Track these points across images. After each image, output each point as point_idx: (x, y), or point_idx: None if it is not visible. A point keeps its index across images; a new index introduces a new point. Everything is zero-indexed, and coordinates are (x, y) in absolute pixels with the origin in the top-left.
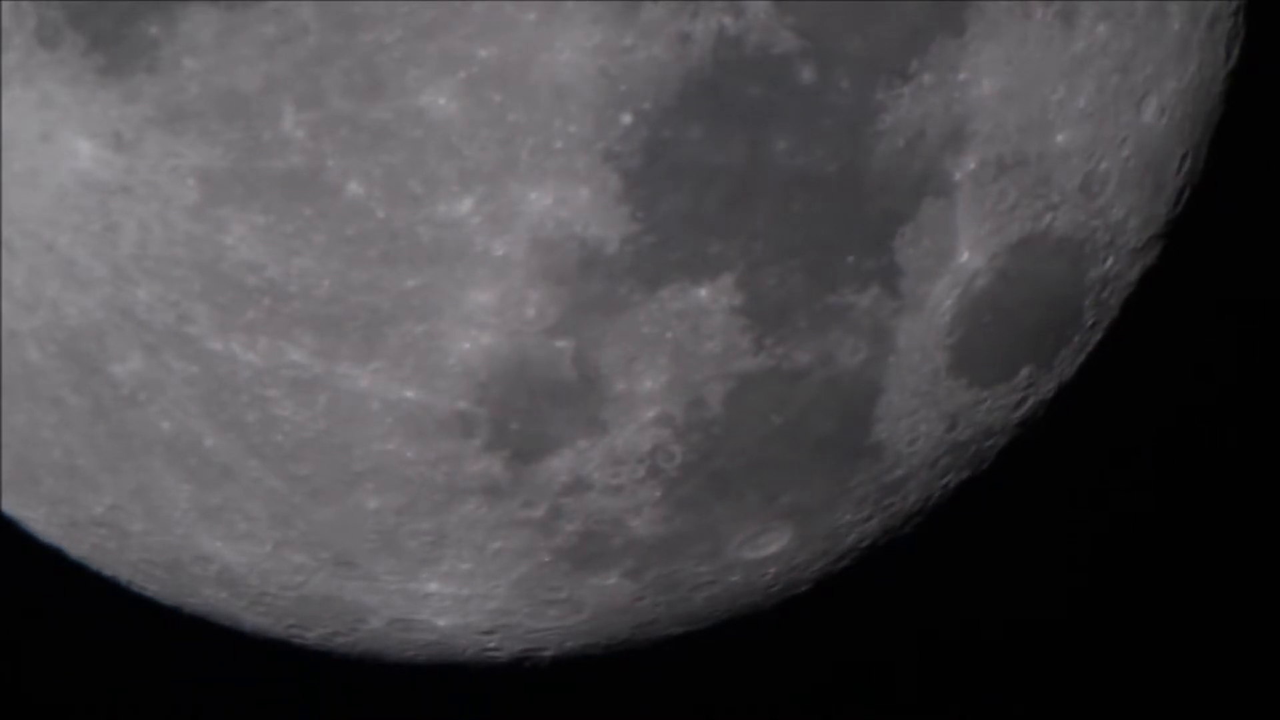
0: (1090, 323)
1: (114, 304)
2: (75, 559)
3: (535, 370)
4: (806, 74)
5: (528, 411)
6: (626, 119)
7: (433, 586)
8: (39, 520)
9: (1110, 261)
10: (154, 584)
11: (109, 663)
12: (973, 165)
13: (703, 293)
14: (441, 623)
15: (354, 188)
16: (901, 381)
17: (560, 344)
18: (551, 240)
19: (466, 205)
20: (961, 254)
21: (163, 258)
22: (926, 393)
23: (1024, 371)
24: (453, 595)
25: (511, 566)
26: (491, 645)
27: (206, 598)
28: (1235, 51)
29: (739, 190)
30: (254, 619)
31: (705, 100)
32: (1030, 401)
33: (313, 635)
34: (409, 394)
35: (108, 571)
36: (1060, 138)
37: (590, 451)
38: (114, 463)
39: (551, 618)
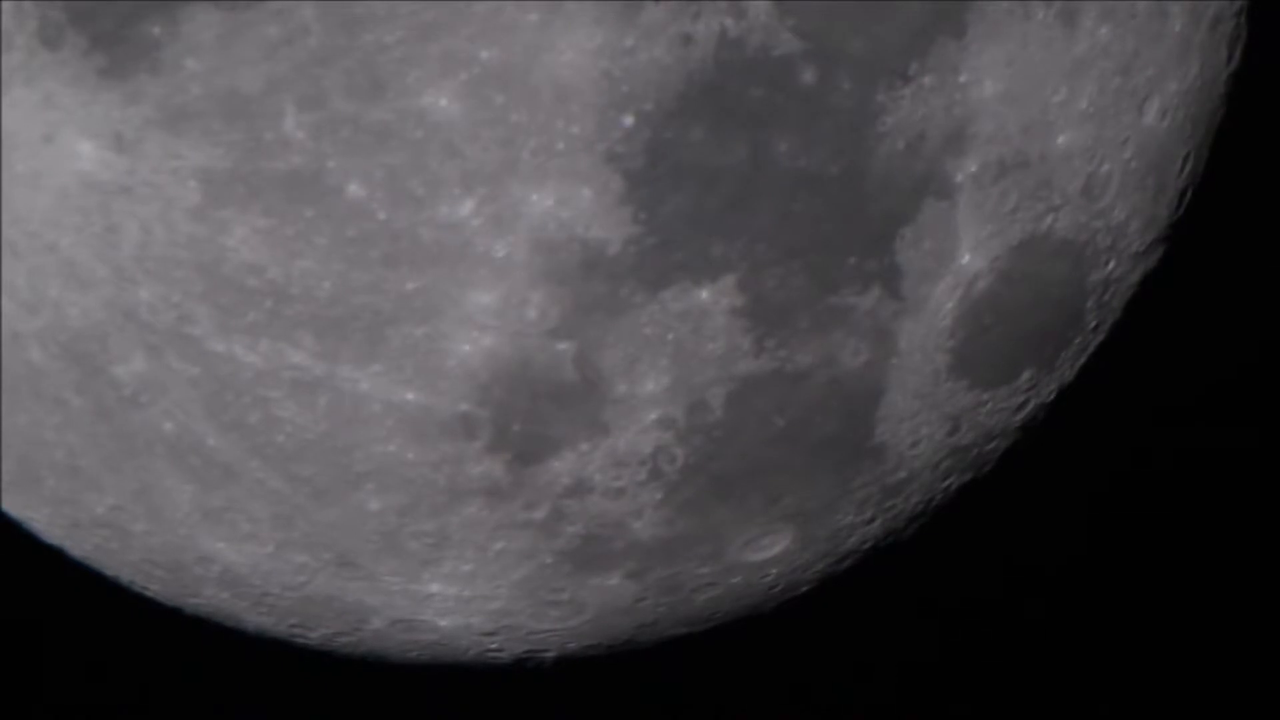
0: (1092, 325)
1: (116, 305)
2: (77, 559)
3: (537, 372)
4: (808, 76)
5: (529, 413)
6: (628, 120)
7: (435, 587)
8: (41, 521)
9: (1112, 264)
10: (156, 584)
11: (110, 663)
12: (974, 167)
13: (704, 294)
14: (443, 623)
15: (355, 189)
16: (903, 383)
17: (562, 345)
18: (553, 241)
19: (468, 206)
20: (963, 256)
21: (164, 259)
22: (928, 395)
23: (1025, 374)
24: (455, 596)
25: (513, 568)
26: (493, 646)
27: (209, 598)
28: (1237, 53)
29: (740, 191)
30: (256, 619)
31: (707, 102)
32: (1032, 404)
33: (315, 635)
34: (410, 396)
35: (110, 572)
36: (1062, 139)
37: (592, 453)
38: (116, 463)
39: (553, 619)
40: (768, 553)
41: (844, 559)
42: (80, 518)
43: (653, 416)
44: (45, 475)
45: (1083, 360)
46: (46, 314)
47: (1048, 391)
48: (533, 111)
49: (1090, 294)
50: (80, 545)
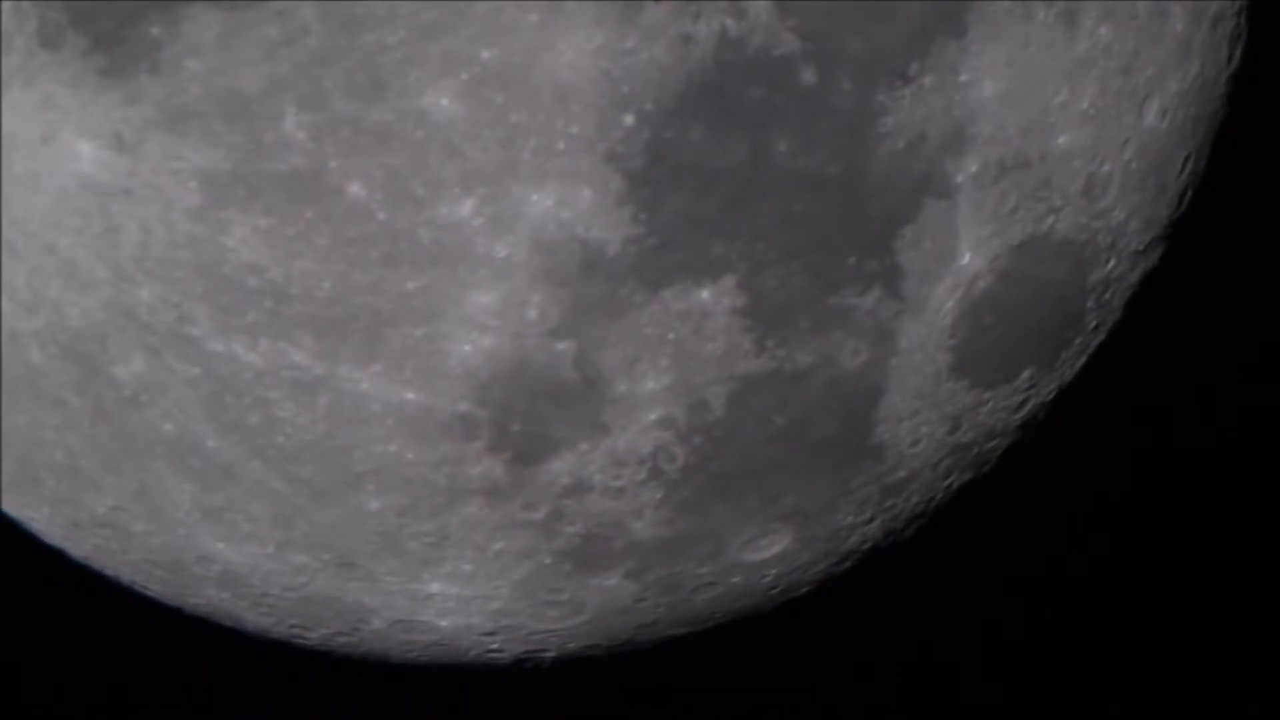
0: (1092, 325)
1: (116, 305)
2: (77, 559)
3: (537, 372)
4: (808, 76)
5: (529, 413)
6: (628, 120)
7: (434, 587)
8: (42, 521)
9: (1112, 263)
10: (156, 584)
11: (110, 663)
12: (974, 167)
13: (705, 294)
14: (443, 623)
15: (355, 189)
16: (903, 383)
17: (562, 346)
18: (553, 242)
19: (468, 207)
20: (963, 256)
21: (164, 259)
22: (928, 394)
23: (1026, 373)
24: (454, 596)
25: (513, 567)
26: (493, 646)
27: (209, 598)
28: (1237, 53)
29: (741, 191)
30: (256, 619)
31: (707, 102)
32: (1032, 403)
33: (315, 636)
34: (410, 396)
35: (110, 572)
36: (1062, 140)
37: (592, 453)
38: (116, 464)
39: (553, 619)
40: (767, 552)
41: (844, 559)
42: (80, 518)
43: (653, 416)
44: (45, 475)
45: (1083, 360)
46: (46, 314)
47: (1048, 391)
48: (533, 111)
49: (1090, 294)
50: (80, 545)
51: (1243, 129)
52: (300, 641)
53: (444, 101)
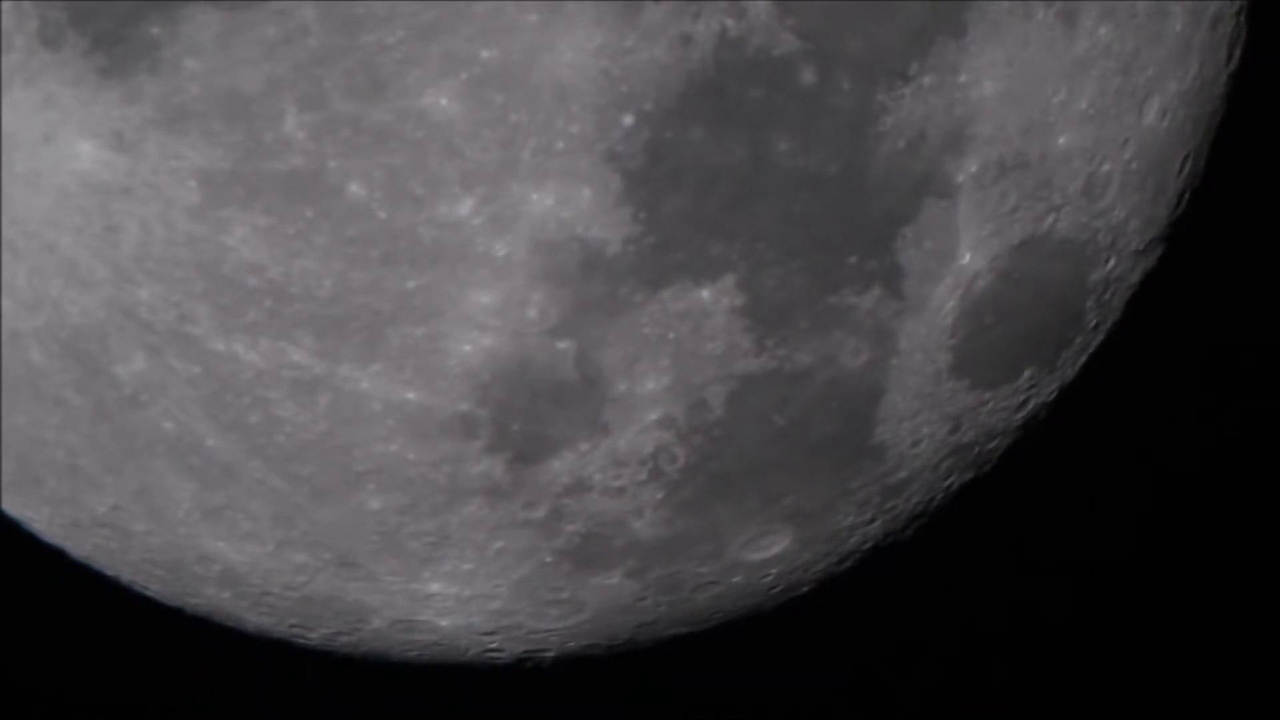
0: (1092, 324)
1: (116, 304)
2: (77, 559)
3: (537, 371)
4: (808, 75)
5: (529, 413)
6: (628, 120)
7: (435, 587)
8: (42, 520)
9: (1112, 263)
10: (156, 584)
11: (110, 663)
12: (974, 167)
13: (704, 294)
14: (443, 623)
15: (355, 189)
16: (904, 383)
17: (562, 345)
18: (553, 241)
19: (468, 206)
20: (963, 255)
21: (164, 259)
22: (929, 394)
23: (1026, 373)
24: (455, 595)
25: (513, 567)
26: (493, 645)
27: (209, 598)
28: (1237, 53)
29: (741, 191)
30: (256, 619)
31: (707, 101)
32: (1032, 403)
33: (315, 635)
34: (410, 395)
35: (110, 572)
36: (1062, 139)
37: (592, 453)
38: (116, 463)
39: (553, 618)
40: (767, 552)
41: (844, 559)
42: (80, 518)
43: (653, 416)
44: (45, 475)
45: (1083, 359)
46: (46, 313)
47: (1049, 390)
48: (533, 111)
49: (1091, 293)
50: (80, 545)
51: (1242, 129)
52: (300, 641)
53: (444, 101)
